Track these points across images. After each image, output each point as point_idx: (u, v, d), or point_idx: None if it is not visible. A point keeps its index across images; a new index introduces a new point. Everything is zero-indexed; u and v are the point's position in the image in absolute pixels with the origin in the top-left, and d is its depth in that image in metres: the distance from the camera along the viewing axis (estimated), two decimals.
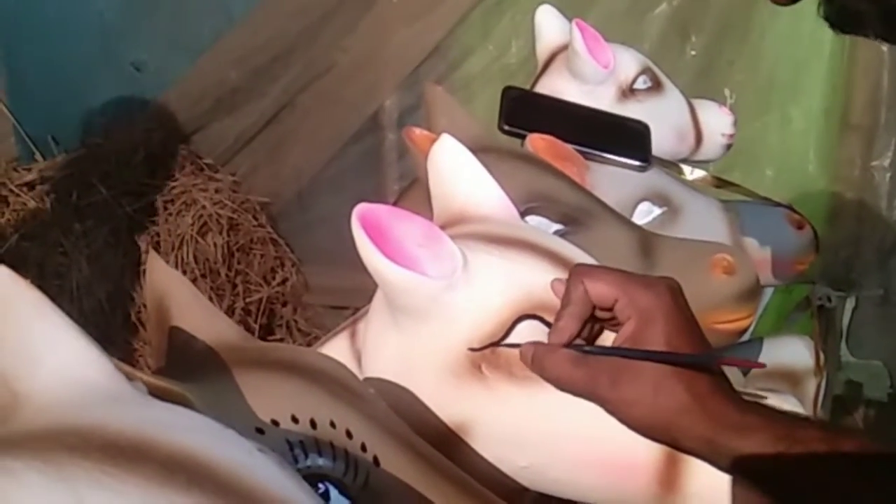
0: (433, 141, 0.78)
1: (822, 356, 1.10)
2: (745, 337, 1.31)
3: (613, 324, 0.67)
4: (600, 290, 0.65)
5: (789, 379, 1.09)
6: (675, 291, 0.66)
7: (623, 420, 0.64)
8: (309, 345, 2.17)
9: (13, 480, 0.35)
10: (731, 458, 0.62)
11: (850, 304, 1.98)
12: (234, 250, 2.14)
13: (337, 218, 2.46)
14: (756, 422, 0.62)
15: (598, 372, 0.64)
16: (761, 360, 1.09)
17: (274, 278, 2.22)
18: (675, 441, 0.64)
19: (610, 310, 0.66)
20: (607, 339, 0.68)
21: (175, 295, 0.58)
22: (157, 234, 2.08)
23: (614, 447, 0.67)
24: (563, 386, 0.65)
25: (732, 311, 0.83)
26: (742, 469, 0.62)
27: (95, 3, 2.17)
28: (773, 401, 0.98)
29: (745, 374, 1.06)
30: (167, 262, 2.05)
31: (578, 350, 0.65)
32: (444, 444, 0.67)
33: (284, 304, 2.25)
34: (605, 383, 0.63)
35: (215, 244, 2.10)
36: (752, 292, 0.84)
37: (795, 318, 1.86)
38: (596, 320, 0.67)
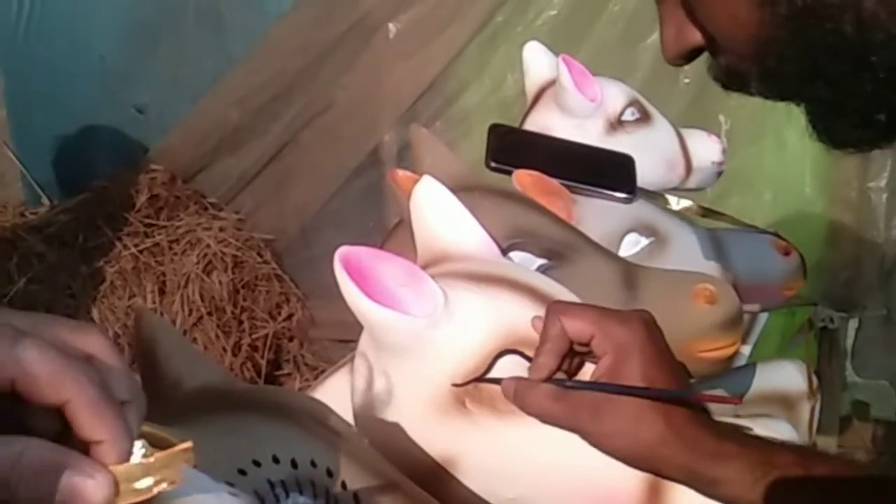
0: (415, 182, 0.80)
1: (815, 379, 1.10)
2: (743, 361, 1.32)
3: (592, 356, 0.68)
4: (576, 326, 0.67)
5: (783, 403, 1.10)
6: (649, 325, 0.68)
7: (606, 451, 0.66)
8: (316, 378, 2.19)
9: None
10: (710, 484, 0.64)
11: (853, 324, 1.98)
12: (240, 287, 2.17)
13: None
14: (733, 449, 0.65)
15: (579, 405, 0.66)
16: (755, 385, 1.10)
17: (280, 314, 2.24)
18: (657, 470, 0.66)
19: (587, 344, 0.67)
20: (587, 371, 0.70)
21: (162, 341, 0.60)
22: (163, 274, 2.10)
23: (599, 478, 0.68)
24: (545, 419, 0.67)
25: (716, 340, 0.84)
26: (722, 495, 0.64)
27: (97, 48, 2.21)
28: (768, 425, 0.99)
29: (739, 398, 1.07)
30: (173, 301, 2.09)
31: (559, 384, 0.67)
32: (431, 479, 0.69)
33: (291, 339, 2.27)
34: (587, 417, 0.66)
35: (221, 282, 2.13)
36: (735, 321, 0.86)
37: (798, 341, 1.86)
38: (575, 354, 0.69)
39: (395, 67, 2.10)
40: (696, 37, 0.67)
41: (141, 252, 2.11)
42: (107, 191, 2.19)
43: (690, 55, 0.69)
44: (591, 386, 0.66)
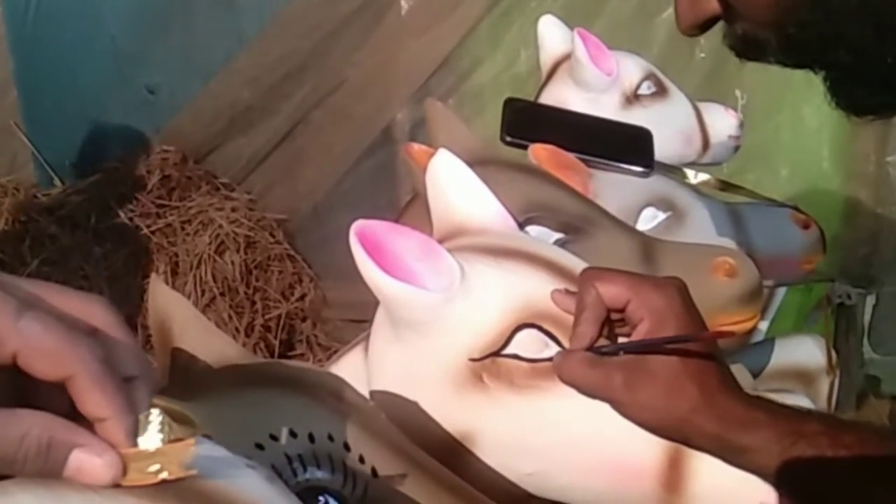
0: (431, 156, 0.79)
1: (833, 355, 1.09)
2: (761, 336, 1.31)
3: (621, 326, 0.68)
4: (612, 292, 0.66)
5: (802, 378, 1.09)
6: (683, 291, 0.67)
7: (637, 421, 0.66)
8: (329, 359, 2.19)
9: (10, 500, 0.36)
10: (739, 453, 0.64)
11: (870, 300, 1.97)
12: (252, 268, 2.17)
13: None
14: (762, 417, 0.64)
15: (613, 372, 0.65)
16: (774, 360, 1.09)
17: (292, 294, 2.24)
18: (685, 439, 0.65)
19: (620, 311, 0.66)
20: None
21: (176, 316, 0.59)
22: (176, 255, 2.10)
23: (618, 452, 0.68)
24: (580, 388, 0.66)
25: (736, 314, 0.83)
26: (750, 463, 0.64)
27: (108, 28, 2.21)
28: (787, 400, 0.98)
29: (756, 374, 1.06)
30: (185, 281, 2.09)
31: (597, 352, 0.66)
32: (449, 454, 0.68)
33: (304, 320, 2.27)
34: (619, 384, 0.64)
35: (233, 262, 2.13)
36: (755, 294, 0.85)
37: (815, 317, 1.85)
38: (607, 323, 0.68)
39: (408, 45, 2.08)
40: (711, 5, 0.66)
41: (153, 233, 2.11)
42: (118, 172, 2.19)
43: (706, 25, 0.68)
44: (630, 346, 0.66)
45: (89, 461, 0.38)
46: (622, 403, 0.65)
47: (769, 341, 1.14)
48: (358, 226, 0.67)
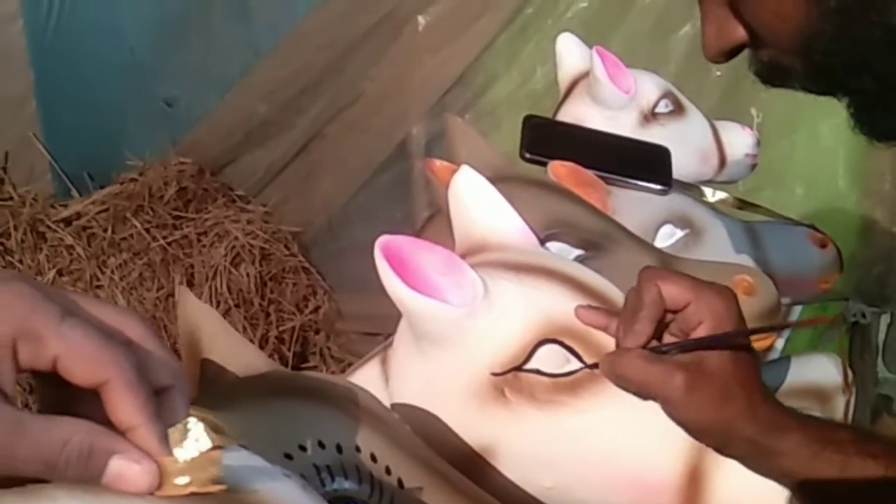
0: (453, 172, 0.80)
1: (850, 373, 1.09)
2: (776, 354, 1.31)
3: (671, 332, 0.68)
4: (674, 292, 0.66)
5: (818, 397, 1.09)
6: (737, 301, 0.68)
7: (683, 421, 0.66)
8: (342, 371, 2.20)
9: None
10: (770, 457, 0.65)
11: (884, 319, 1.97)
12: (267, 280, 2.18)
13: (367, 245, 2.47)
14: (794, 423, 0.65)
15: (674, 371, 0.65)
16: (790, 378, 1.10)
17: (307, 306, 2.25)
18: (724, 442, 0.66)
19: (675, 312, 0.67)
20: None
21: (205, 327, 0.60)
22: (191, 266, 2.11)
23: (638, 467, 0.68)
24: (635, 384, 0.66)
25: None
26: (779, 468, 0.65)
27: (126, 41, 2.22)
28: None
29: (772, 392, 1.06)
30: (201, 293, 2.10)
31: (655, 351, 0.66)
32: (469, 467, 0.68)
33: (317, 332, 2.27)
34: (679, 384, 0.64)
35: (248, 274, 2.14)
36: (773, 312, 0.85)
37: (830, 336, 1.85)
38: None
39: (424, 60, 2.09)
40: (738, 33, 0.67)
41: (169, 244, 2.12)
42: (135, 183, 2.20)
43: (732, 52, 0.69)
44: (688, 345, 0.66)
45: (128, 468, 0.39)
46: (675, 403, 0.65)
47: (785, 359, 1.13)
48: (382, 241, 0.67)
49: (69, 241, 2.07)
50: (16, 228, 2.05)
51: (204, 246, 2.13)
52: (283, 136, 2.23)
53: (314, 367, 2.24)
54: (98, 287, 2.04)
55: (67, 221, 2.12)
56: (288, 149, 2.24)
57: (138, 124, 2.29)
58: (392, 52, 2.12)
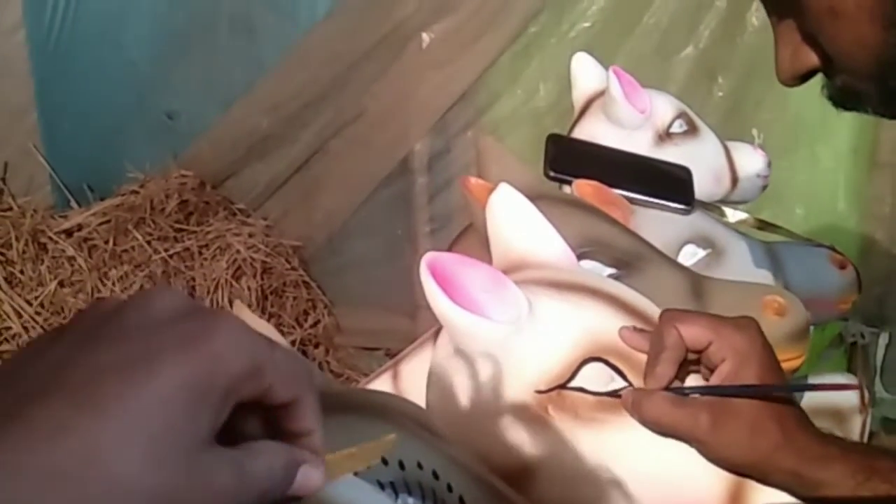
0: (489, 190, 0.80)
1: (866, 393, 1.11)
2: (794, 375, 1.32)
3: (698, 366, 0.69)
4: (694, 333, 0.67)
5: (836, 417, 1.10)
6: (761, 333, 0.69)
7: (717, 459, 0.67)
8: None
9: None
10: (814, 488, 0.65)
11: (883, 339, 1.98)
12: (268, 293, 2.18)
13: (368, 260, 2.48)
14: (836, 453, 0.66)
15: (699, 412, 0.66)
16: (807, 398, 1.10)
17: (306, 320, 2.25)
18: (764, 475, 0.67)
19: (698, 353, 0.68)
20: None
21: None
22: (193, 279, 2.11)
23: (680, 486, 0.69)
24: (662, 427, 0.67)
25: (784, 352, 0.84)
26: (825, 499, 0.65)
27: (129, 54, 2.22)
28: None
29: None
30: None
31: (678, 392, 0.67)
32: (511, 484, 0.68)
33: (317, 346, 2.27)
34: (705, 424, 0.66)
35: (249, 287, 2.14)
36: (803, 332, 0.86)
37: (829, 356, 1.87)
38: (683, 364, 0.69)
39: (428, 77, 2.10)
40: (811, 58, 0.68)
41: (171, 257, 2.12)
42: (137, 195, 2.20)
43: (806, 76, 0.71)
44: (714, 390, 0.67)
45: (312, 473, 0.41)
46: (706, 443, 0.66)
47: (801, 379, 1.15)
48: (428, 257, 0.68)
49: (70, 252, 2.07)
50: (17, 239, 2.04)
51: (205, 259, 2.13)
52: (285, 151, 2.23)
53: None
54: (99, 299, 2.03)
55: (69, 233, 2.12)
56: (290, 163, 2.24)
57: (139, 137, 2.29)
58: (395, 69, 2.13)
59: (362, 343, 2.31)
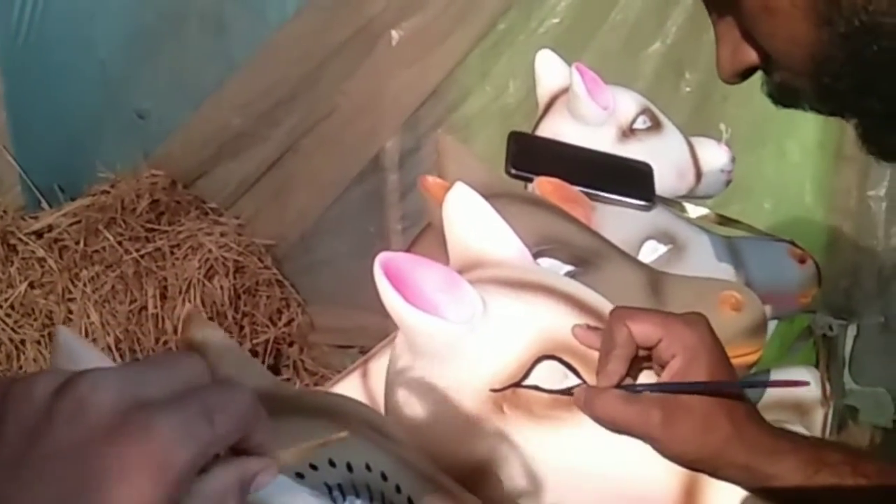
0: (446, 189, 0.80)
1: (828, 386, 1.12)
2: (752, 369, 1.33)
3: (649, 362, 0.70)
4: (644, 330, 0.68)
5: (797, 410, 1.11)
6: (710, 328, 0.69)
7: (670, 455, 0.68)
8: (316, 384, 2.20)
9: None
10: (765, 481, 0.66)
11: (851, 332, 2.00)
12: (241, 292, 2.17)
13: (341, 258, 2.48)
14: (787, 446, 0.67)
15: (651, 408, 0.67)
16: (768, 392, 1.11)
17: (280, 319, 2.25)
18: (715, 470, 0.68)
19: (648, 349, 0.68)
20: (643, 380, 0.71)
21: (211, 346, 0.60)
22: (165, 279, 2.10)
23: (634, 482, 0.69)
24: (615, 424, 0.68)
25: (741, 347, 0.85)
26: (775, 492, 0.66)
27: (98, 53, 2.21)
28: None
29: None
30: (174, 305, 2.09)
31: (629, 390, 0.68)
32: (465, 483, 0.69)
33: (291, 345, 2.28)
34: (657, 421, 0.66)
35: (222, 287, 2.13)
36: (760, 327, 0.87)
37: (798, 348, 1.88)
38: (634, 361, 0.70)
39: (398, 74, 2.11)
40: (751, 56, 0.69)
41: (142, 257, 2.11)
42: (107, 195, 2.19)
43: (745, 73, 0.71)
44: (665, 387, 0.67)
45: (266, 479, 0.43)
46: (659, 439, 0.67)
47: (764, 373, 1.16)
48: (382, 257, 0.68)
49: (40, 253, 2.06)
50: None
51: (177, 259, 2.12)
52: (257, 149, 2.23)
53: (287, 380, 2.23)
54: (70, 300, 2.03)
55: (39, 234, 2.11)
56: (261, 162, 2.24)
57: (110, 136, 2.28)
58: (366, 67, 2.13)
59: (336, 341, 2.31)
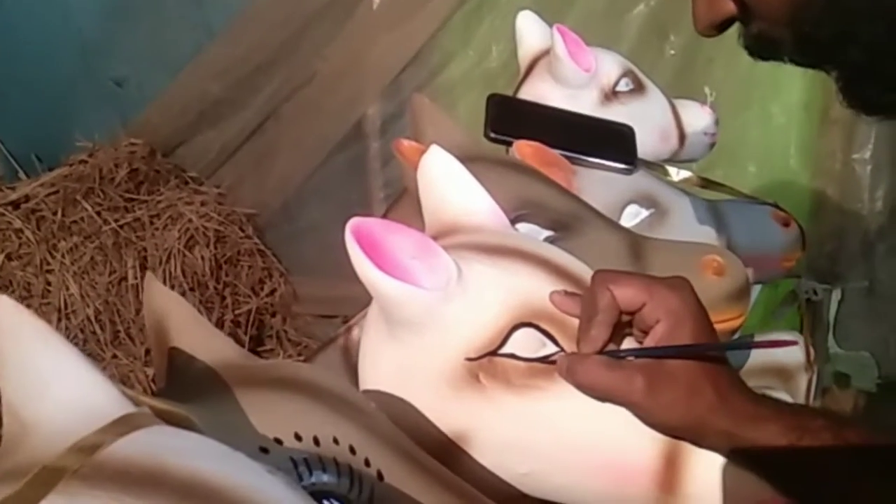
0: (422, 152, 0.78)
1: (812, 351, 1.11)
2: (735, 335, 1.32)
3: (629, 330, 0.68)
4: (628, 294, 0.66)
5: (781, 375, 1.10)
6: (694, 292, 0.68)
7: (653, 422, 0.66)
8: (300, 354, 2.18)
9: None
10: (747, 448, 0.65)
11: (835, 296, 2.00)
12: (222, 262, 2.15)
13: (323, 227, 2.46)
14: (769, 413, 0.65)
15: (634, 374, 0.65)
16: (753, 357, 1.10)
17: (262, 289, 2.23)
18: (698, 437, 0.66)
19: (631, 314, 0.67)
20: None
21: (174, 315, 0.58)
22: (144, 249, 2.08)
23: (614, 451, 0.68)
24: (597, 391, 0.66)
25: (724, 312, 0.84)
26: (757, 458, 0.65)
27: (74, 21, 2.17)
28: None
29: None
30: (155, 276, 2.07)
31: (612, 355, 0.66)
32: (443, 454, 0.67)
33: (273, 315, 2.25)
34: (641, 387, 0.64)
35: (203, 257, 2.11)
36: (743, 292, 0.85)
37: (782, 313, 1.87)
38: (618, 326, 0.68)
39: (379, 39, 2.07)
40: (728, 6, 0.67)
41: (121, 227, 2.09)
42: (85, 165, 2.16)
43: (722, 25, 0.70)
44: (648, 352, 0.65)
45: None
46: (642, 406, 0.65)
47: (748, 337, 1.15)
48: (354, 223, 0.66)
49: (18, 224, 2.02)
50: None
51: (157, 229, 2.09)
52: (237, 117, 2.20)
53: (270, 351, 2.22)
54: (49, 271, 2.00)
55: (16, 204, 2.07)
56: (241, 129, 2.21)
57: (87, 105, 2.24)
58: (346, 31, 2.09)
59: (319, 311, 2.29)
